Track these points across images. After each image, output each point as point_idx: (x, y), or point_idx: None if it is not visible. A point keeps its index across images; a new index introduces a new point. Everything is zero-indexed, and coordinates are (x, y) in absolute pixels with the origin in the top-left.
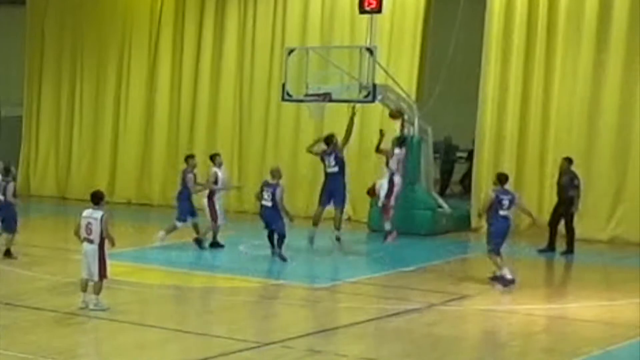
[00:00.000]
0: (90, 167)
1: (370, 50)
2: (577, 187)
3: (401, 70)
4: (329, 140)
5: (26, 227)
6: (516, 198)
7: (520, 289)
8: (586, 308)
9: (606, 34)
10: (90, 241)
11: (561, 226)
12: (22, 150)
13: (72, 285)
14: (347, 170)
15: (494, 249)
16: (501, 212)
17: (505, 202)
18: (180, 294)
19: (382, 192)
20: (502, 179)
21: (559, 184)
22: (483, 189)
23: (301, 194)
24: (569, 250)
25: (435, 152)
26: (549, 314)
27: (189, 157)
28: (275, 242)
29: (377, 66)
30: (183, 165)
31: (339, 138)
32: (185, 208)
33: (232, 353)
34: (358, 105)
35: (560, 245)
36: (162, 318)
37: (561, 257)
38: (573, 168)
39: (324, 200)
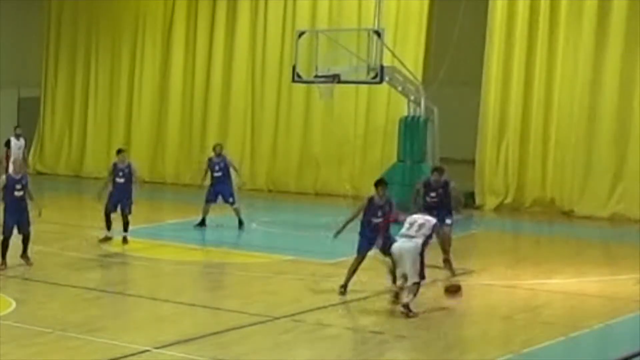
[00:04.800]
0: (105, 147)
1: (377, 33)
2: None
3: (408, 52)
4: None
5: (42, 204)
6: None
7: (523, 265)
8: (587, 283)
9: (607, 18)
10: None
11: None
12: (37, 129)
13: (88, 262)
14: None
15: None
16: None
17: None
18: (193, 269)
19: None
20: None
21: None
22: (487, 168)
23: (311, 172)
24: None
25: None
26: (551, 288)
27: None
28: None
29: (384, 48)
30: (197, 146)
31: None
32: None
33: (245, 327)
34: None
35: None
36: (177, 293)
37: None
38: None
39: None
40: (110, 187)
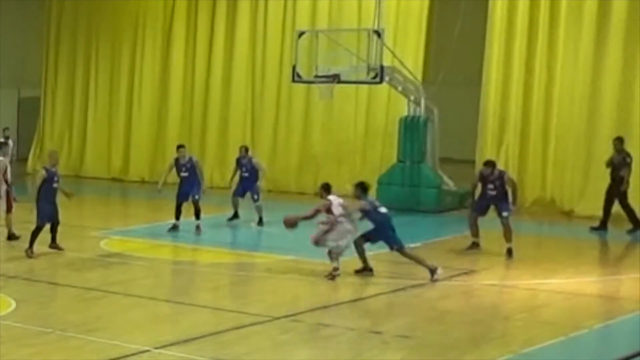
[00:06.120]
0: (105, 146)
1: (377, 33)
2: (629, 165)
3: (408, 52)
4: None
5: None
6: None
7: (523, 265)
8: (587, 283)
9: (607, 18)
10: None
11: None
12: (37, 129)
13: (88, 262)
14: None
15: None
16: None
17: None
18: (193, 269)
19: None
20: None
21: (612, 163)
22: None
23: (310, 172)
24: (636, 227)
25: None
26: (551, 288)
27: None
28: None
29: (384, 48)
30: (197, 146)
31: None
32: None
33: (244, 327)
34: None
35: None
36: (175, 293)
37: (627, 236)
38: (625, 147)
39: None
40: (164, 179)
